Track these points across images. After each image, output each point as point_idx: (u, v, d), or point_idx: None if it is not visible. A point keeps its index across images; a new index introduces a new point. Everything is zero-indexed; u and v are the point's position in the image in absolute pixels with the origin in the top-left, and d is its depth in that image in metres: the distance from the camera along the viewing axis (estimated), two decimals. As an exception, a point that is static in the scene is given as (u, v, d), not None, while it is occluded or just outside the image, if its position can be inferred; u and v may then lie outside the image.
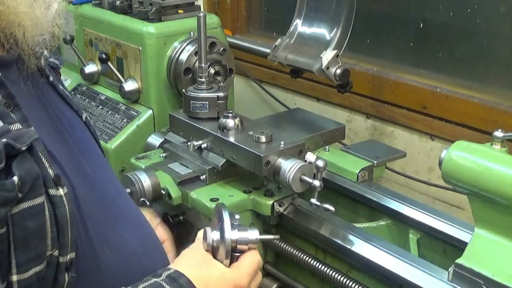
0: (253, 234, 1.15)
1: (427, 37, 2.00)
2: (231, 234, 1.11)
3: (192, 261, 1.10)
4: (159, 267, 1.08)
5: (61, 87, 1.16)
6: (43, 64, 1.10)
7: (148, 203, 1.55)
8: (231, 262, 1.12)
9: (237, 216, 1.17)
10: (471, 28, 1.90)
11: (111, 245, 1.06)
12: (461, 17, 1.90)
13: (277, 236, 1.45)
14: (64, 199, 0.95)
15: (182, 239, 1.63)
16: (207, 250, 1.12)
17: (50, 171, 0.94)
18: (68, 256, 0.96)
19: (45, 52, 1.12)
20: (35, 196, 0.91)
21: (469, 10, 1.87)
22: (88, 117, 1.22)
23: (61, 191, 0.95)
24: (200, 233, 1.15)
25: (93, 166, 1.10)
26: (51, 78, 1.13)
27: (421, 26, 2.00)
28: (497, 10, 1.83)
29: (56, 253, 0.94)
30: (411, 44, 2.06)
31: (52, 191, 0.94)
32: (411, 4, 2.05)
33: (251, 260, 1.13)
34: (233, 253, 1.12)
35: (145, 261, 1.11)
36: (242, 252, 1.13)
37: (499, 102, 1.83)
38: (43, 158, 0.94)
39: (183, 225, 1.63)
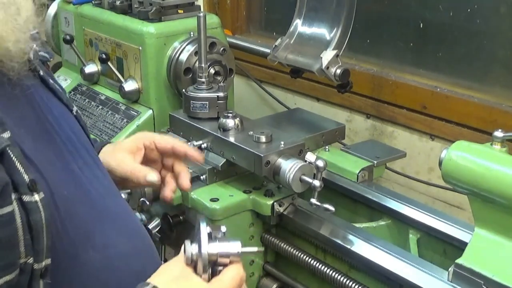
0: (235, 246, 1.06)
1: (427, 37, 2.00)
2: (210, 247, 1.04)
3: (169, 276, 1.05)
4: (149, 269, 1.05)
5: (51, 81, 1.14)
6: (32, 58, 1.07)
7: (148, 203, 1.55)
8: (213, 276, 1.06)
9: (223, 228, 1.09)
10: (471, 28, 1.90)
11: (96, 246, 1.03)
12: (461, 17, 1.90)
13: (261, 249, 1.44)
14: (40, 205, 0.93)
15: (182, 239, 1.63)
16: (187, 264, 1.05)
17: (25, 177, 0.92)
18: (44, 263, 0.94)
19: (34, 45, 1.08)
20: (2, 205, 0.88)
21: (469, 10, 1.87)
22: (78, 111, 1.20)
23: (36, 197, 0.93)
24: (183, 246, 1.12)
25: (81, 165, 1.08)
26: (41, 73, 1.11)
27: (421, 26, 2.00)
28: (497, 10, 1.83)
29: (30, 260, 0.92)
30: (411, 44, 2.06)
31: (26, 198, 0.91)
32: (411, 4, 2.05)
33: (233, 274, 1.06)
34: (215, 267, 1.06)
35: (134, 263, 1.09)
36: (224, 265, 1.06)
37: (499, 102, 1.83)
38: (18, 164, 0.91)
39: (183, 225, 1.63)
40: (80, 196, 1.04)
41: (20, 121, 1.00)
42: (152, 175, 1.31)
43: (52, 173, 0.99)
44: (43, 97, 1.09)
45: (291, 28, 1.88)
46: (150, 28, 1.89)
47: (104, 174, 1.15)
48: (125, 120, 1.95)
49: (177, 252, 1.59)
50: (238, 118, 1.60)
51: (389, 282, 1.35)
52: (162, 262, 1.45)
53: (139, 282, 1.02)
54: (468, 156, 1.21)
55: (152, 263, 1.11)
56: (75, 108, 1.19)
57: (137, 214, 1.65)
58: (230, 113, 1.60)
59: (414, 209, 1.53)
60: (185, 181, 1.37)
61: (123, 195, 1.55)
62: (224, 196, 1.53)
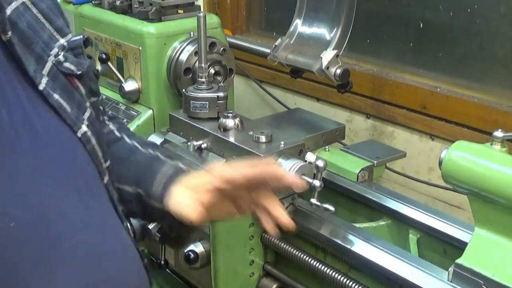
0: None
1: (427, 37, 2.00)
2: None
3: None
4: None
5: (55, 97, 0.99)
6: (31, 72, 0.96)
7: None
8: None
9: None
10: (471, 28, 1.90)
11: None
12: (461, 17, 1.90)
13: None
14: None
15: (182, 239, 1.64)
16: None
17: None
18: None
19: (60, 56, 1.02)
20: None
21: (469, 10, 1.87)
22: (90, 132, 1.03)
23: None
24: None
25: (47, 196, 0.93)
26: (40, 87, 0.97)
27: (421, 26, 2.00)
28: (497, 10, 1.83)
29: None
30: (411, 44, 2.06)
31: None
32: (411, 4, 2.05)
33: None
34: None
35: None
36: None
37: (499, 102, 1.83)
38: None
39: (183, 225, 1.63)
40: (27, 233, 0.90)
41: None
42: (191, 213, 1.13)
43: None
44: (29, 113, 0.95)
45: (291, 28, 1.88)
46: (150, 28, 1.89)
47: (89, 205, 0.99)
48: (125, 120, 1.95)
49: (177, 252, 1.60)
50: (238, 118, 1.60)
51: (389, 282, 1.35)
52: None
53: None
54: (468, 156, 1.21)
55: None
56: (82, 130, 1.02)
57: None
58: (230, 113, 1.60)
59: (414, 209, 1.53)
60: (283, 216, 1.14)
61: None
62: (224, 196, 1.53)
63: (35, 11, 1.03)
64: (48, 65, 1.01)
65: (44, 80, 0.98)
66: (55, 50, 1.03)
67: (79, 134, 1.02)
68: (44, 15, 1.05)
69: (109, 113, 1.35)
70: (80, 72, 1.06)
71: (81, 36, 1.10)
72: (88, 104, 1.08)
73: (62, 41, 1.06)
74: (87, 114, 1.06)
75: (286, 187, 1.17)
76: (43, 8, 1.05)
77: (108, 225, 1.04)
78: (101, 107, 1.25)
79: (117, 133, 1.29)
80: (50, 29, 1.05)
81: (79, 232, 0.96)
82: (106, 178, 1.08)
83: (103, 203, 1.05)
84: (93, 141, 1.05)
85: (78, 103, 1.04)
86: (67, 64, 1.04)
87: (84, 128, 1.03)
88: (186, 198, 1.14)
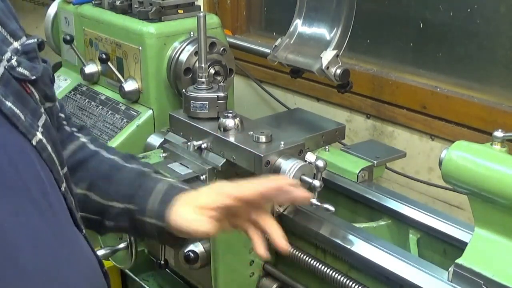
0: None
1: (427, 37, 2.00)
2: None
3: None
4: None
5: (8, 105, 0.93)
6: None
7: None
8: None
9: None
10: (471, 28, 1.90)
11: None
12: (461, 17, 1.90)
13: None
14: None
15: (182, 239, 1.63)
16: None
17: None
18: None
19: (12, 61, 0.96)
20: None
21: (469, 10, 1.87)
22: (45, 140, 0.99)
23: None
24: None
25: (2, 213, 0.89)
26: None
27: (421, 26, 2.00)
28: (497, 10, 1.83)
29: None
30: (411, 44, 2.06)
31: None
32: (411, 4, 2.05)
33: None
34: None
35: None
36: None
37: (499, 102, 1.83)
38: None
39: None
40: None
41: None
42: (205, 226, 1.14)
43: None
44: None
45: (291, 28, 1.88)
46: (150, 28, 1.90)
47: (47, 216, 0.96)
48: (125, 120, 1.95)
49: (177, 252, 1.60)
50: (238, 118, 1.60)
51: (389, 282, 1.35)
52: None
53: None
54: (468, 156, 1.21)
55: None
56: (37, 138, 0.97)
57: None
58: (230, 113, 1.60)
59: (414, 209, 1.53)
60: (280, 240, 1.16)
61: None
62: (224, 196, 1.53)
63: None
64: (0, 71, 0.95)
65: None
66: (7, 55, 0.97)
67: (34, 142, 0.97)
68: None
69: (75, 122, 1.33)
70: (34, 77, 1.00)
71: (35, 39, 1.04)
72: (42, 110, 1.03)
73: (16, 44, 1.00)
74: (41, 121, 1.01)
75: (293, 200, 1.21)
76: None
77: (65, 234, 1.01)
78: (62, 115, 1.24)
79: (91, 147, 1.28)
80: (3, 32, 1.00)
81: (36, 244, 0.93)
82: (63, 186, 1.04)
83: (61, 212, 1.01)
84: (49, 148, 1.01)
85: (33, 110, 0.99)
86: (20, 69, 0.98)
87: (39, 135, 0.98)
88: (193, 214, 1.15)
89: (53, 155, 1.01)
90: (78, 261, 1.01)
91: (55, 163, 1.02)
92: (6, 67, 0.95)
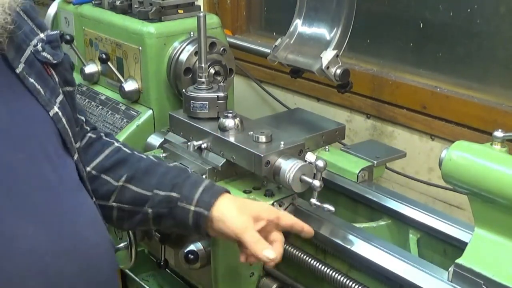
0: None
1: (427, 37, 2.00)
2: None
3: None
4: (66, 271, 1.08)
5: (31, 81, 1.15)
6: (10, 55, 1.12)
7: None
8: None
9: None
10: (471, 28, 1.90)
11: (1, 235, 1.03)
12: (461, 17, 1.90)
13: None
14: None
15: (182, 239, 1.64)
16: None
17: None
18: None
19: (38, 46, 1.19)
20: None
21: (469, 10, 1.87)
22: (60, 113, 1.20)
23: None
24: None
25: (20, 156, 1.09)
26: (17, 71, 1.13)
27: (421, 26, 2.00)
28: (497, 10, 1.83)
29: None
30: (411, 44, 2.06)
31: None
32: (411, 4, 2.05)
33: None
34: None
35: (48, 260, 1.06)
36: None
37: (499, 102, 1.83)
38: None
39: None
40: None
41: None
42: (269, 252, 1.29)
43: None
44: (5, 90, 1.11)
45: (291, 28, 1.88)
46: (150, 28, 1.89)
47: (59, 171, 1.15)
48: (125, 120, 1.95)
49: (177, 252, 1.60)
50: (238, 118, 1.60)
51: (389, 282, 1.35)
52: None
53: (52, 282, 1.06)
54: (468, 156, 1.21)
55: (75, 266, 1.10)
56: (54, 110, 1.19)
57: None
58: (230, 113, 1.60)
59: (414, 209, 1.53)
60: (279, 251, 1.33)
61: None
62: (224, 196, 1.53)
63: (18, 9, 1.15)
64: (27, 53, 1.17)
65: (21, 66, 1.15)
66: (34, 41, 1.20)
67: (51, 114, 1.18)
68: (26, 12, 1.21)
69: (101, 130, 1.50)
70: (56, 61, 1.23)
71: (58, 32, 1.28)
72: (60, 91, 1.23)
73: (42, 35, 1.23)
74: (59, 99, 1.22)
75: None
76: (26, 7, 1.21)
77: (74, 189, 1.18)
78: (83, 117, 1.43)
79: (126, 149, 1.44)
80: (31, 24, 1.22)
81: (50, 189, 1.12)
82: (75, 156, 1.23)
83: (71, 171, 1.20)
84: (64, 121, 1.20)
85: (52, 88, 1.20)
86: (44, 54, 1.21)
87: (56, 109, 1.19)
88: (246, 219, 1.33)
89: (67, 127, 1.21)
90: (85, 213, 1.17)
91: (69, 135, 1.21)
92: (32, 50, 1.18)
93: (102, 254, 1.17)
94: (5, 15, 1.07)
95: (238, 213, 1.32)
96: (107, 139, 1.45)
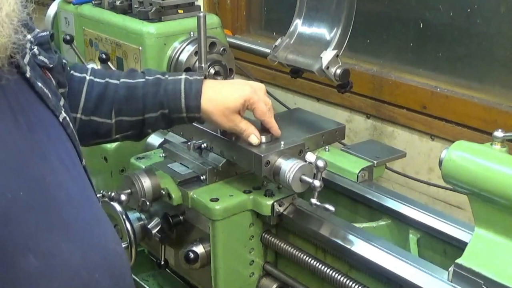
0: None
1: (427, 37, 2.00)
2: None
3: None
4: (103, 284, 1.08)
5: (39, 85, 1.11)
6: (21, 62, 1.07)
7: (148, 203, 1.55)
8: None
9: None
10: (471, 28, 1.90)
11: (38, 253, 1.01)
12: (461, 17, 1.91)
13: None
14: None
15: (182, 239, 1.64)
16: None
17: None
18: None
19: (35, 49, 1.14)
20: None
21: (469, 10, 1.87)
22: (68, 118, 1.17)
23: None
24: None
25: (46, 170, 1.06)
26: (27, 75, 1.08)
27: (421, 26, 2.00)
28: (497, 10, 1.83)
29: None
30: (411, 44, 2.06)
31: None
32: (411, 4, 2.06)
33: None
34: None
35: (85, 275, 1.06)
36: None
37: (499, 102, 1.83)
38: None
39: (183, 225, 1.63)
40: (30, 202, 1.01)
41: None
42: (254, 138, 1.48)
43: (2, 173, 0.98)
44: (20, 98, 1.06)
45: (291, 28, 1.88)
46: (150, 28, 1.89)
47: (76, 182, 1.12)
48: (125, 120, 1.95)
49: (177, 252, 1.60)
50: (238, 118, 1.60)
51: (389, 282, 1.35)
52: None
53: None
54: (468, 156, 1.21)
55: (107, 278, 1.10)
56: (62, 115, 1.15)
57: (136, 214, 1.65)
58: (230, 113, 1.60)
59: (414, 209, 1.53)
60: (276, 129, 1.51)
61: (123, 196, 1.55)
62: (224, 196, 1.53)
63: None
64: (27, 57, 1.11)
65: (28, 69, 1.09)
66: (29, 44, 1.12)
67: (60, 119, 1.14)
68: None
69: (69, 65, 1.44)
70: (52, 65, 1.18)
71: (47, 32, 1.21)
72: (60, 94, 1.20)
73: (29, 36, 1.13)
74: (61, 102, 1.18)
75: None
76: None
77: (91, 198, 1.17)
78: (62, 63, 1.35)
79: (98, 80, 1.44)
80: None
81: (75, 203, 1.09)
82: (83, 161, 1.20)
83: (85, 179, 1.17)
84: (71, 126, 1.17)
85: (54, 92, 1.17)
86: (41, 57, 1.16)
87: (63, 113, 1.15)
88: (225, 120, 1.45)
89: (75, 132, 1.18)
90: (105, 223, 1.17)
91: (76, 139, 1.19)
92: (31, 54, 1.12)
93: (124, 262, 1.17)
94: (19, 34, 1.01)
95: (222, 117, 1.44)
96: (78, 74, 1.43)
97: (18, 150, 1.02)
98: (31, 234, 1.01)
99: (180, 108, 1.43)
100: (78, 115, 1.39)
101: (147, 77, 1.46)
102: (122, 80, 1.45)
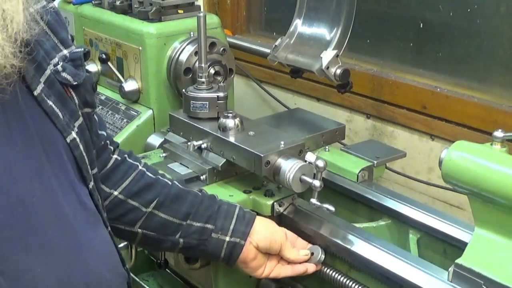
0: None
1: (427, 37, 2.00)
2: None
3: None
4: None
5: (49, 103, 1.08)
6: (33, 79, 1.05)
7: None
8: None
9: None
10: (471, 28, 1.90)
11: (7, 274, 0.98)
12: (461, 17, 1.90)
13: None
14: None
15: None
16: None
17: None
18: None
19: (59, 66, 1.11)
20: None
21: (469, 10, 1.87)
22: (78, 139, 1.13)
23: None
24: None
25: (34, 190, 1.03)
26: (35, 93, 1.06)
27: (421, 26, 2.00)
28: (497, 10, 1.83)
29: None
30: (411, 44, 2.06)
31: None
32: (411, 4, 2.05)
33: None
34: None
35: None
36: None
37: (499, 102, 1.83)
38: None
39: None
40: (10, 221, 0.99)
41: None
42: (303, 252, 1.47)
43: None
44: (25, 115, 1.04)
45: (291, 28, 1.88)
46: (150, 28, 1.89)
47: (72, 204, 1.09)
48: (125, 120, 1.95)
49: (177, 253, 1.59)
50: (238, 118, 1.60)
51: (389, 282, 1.35)
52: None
53: None
54: (468, 156, 1.21)
55: None
56: (71, 136, 1.11)
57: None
58: (230, 113, 1.60)
59: (414, 209, 1.53)
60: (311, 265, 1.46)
61: None
62: (224, 196, 1.53)
63: (41, 22, 1.09)
64: (47, 73, 1.09)
65: (40, 87, 1.07)
66: (55, 60, 1.11)
67: (68, 140, 1.11)
68: (50, 26, 1.14)
69: (121, 150, 1.45)
70: (76, 83, 1.14)
71: (82, 49, 1.18)
72: (80, 113, 1.16)
73: (65, 51, 1.15)
74: (78, 122, 1.14)
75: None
76: (50, 19, 1.13)
77: (90, 222, 1.12)
78: (104, 132, 1.36)
79: (150, 174, 1.42)
80: (54, 39, 1.14)
81: (63, 225, 1.05)
82: (91, 184, 1.17)
83: (87, 203, 1.13)
84: (81, 147, 1.13)
85: (71, 111, 1.13)
86: (64, 74, 1.12)
87: (73, 134, 1.12)
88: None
89: (84, 154, 1.14)
90: (99, 248, 1.12)
91: (85, 162, 1.15)
92: (52, 70, 1.10)
93: None
94: (15, 47, 0.98)
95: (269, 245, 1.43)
96: (131, 161, 1.42)
97: (6, 167, 1.00)
98: (3, 254, 0.98)
99: (227, 229, 1.40)
100: (116, 193, 1.36)
101: (203, 192, 1.47)
102: (174, 181, 1.45)
